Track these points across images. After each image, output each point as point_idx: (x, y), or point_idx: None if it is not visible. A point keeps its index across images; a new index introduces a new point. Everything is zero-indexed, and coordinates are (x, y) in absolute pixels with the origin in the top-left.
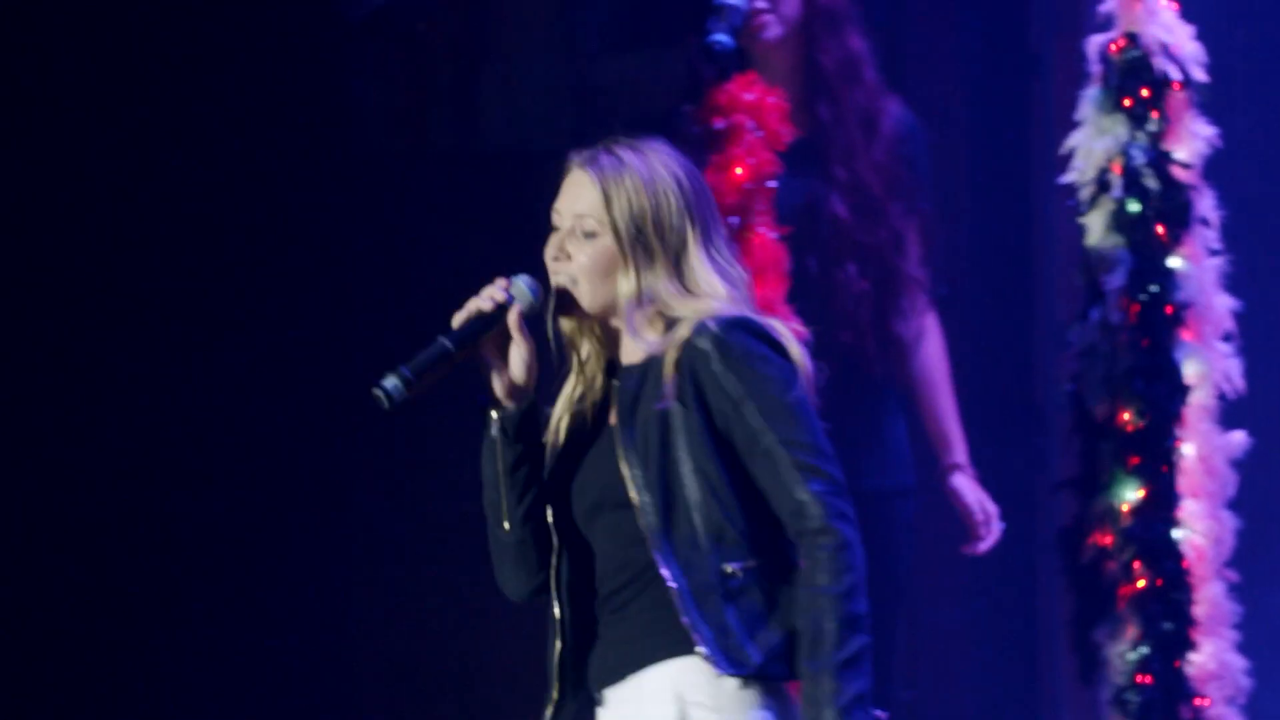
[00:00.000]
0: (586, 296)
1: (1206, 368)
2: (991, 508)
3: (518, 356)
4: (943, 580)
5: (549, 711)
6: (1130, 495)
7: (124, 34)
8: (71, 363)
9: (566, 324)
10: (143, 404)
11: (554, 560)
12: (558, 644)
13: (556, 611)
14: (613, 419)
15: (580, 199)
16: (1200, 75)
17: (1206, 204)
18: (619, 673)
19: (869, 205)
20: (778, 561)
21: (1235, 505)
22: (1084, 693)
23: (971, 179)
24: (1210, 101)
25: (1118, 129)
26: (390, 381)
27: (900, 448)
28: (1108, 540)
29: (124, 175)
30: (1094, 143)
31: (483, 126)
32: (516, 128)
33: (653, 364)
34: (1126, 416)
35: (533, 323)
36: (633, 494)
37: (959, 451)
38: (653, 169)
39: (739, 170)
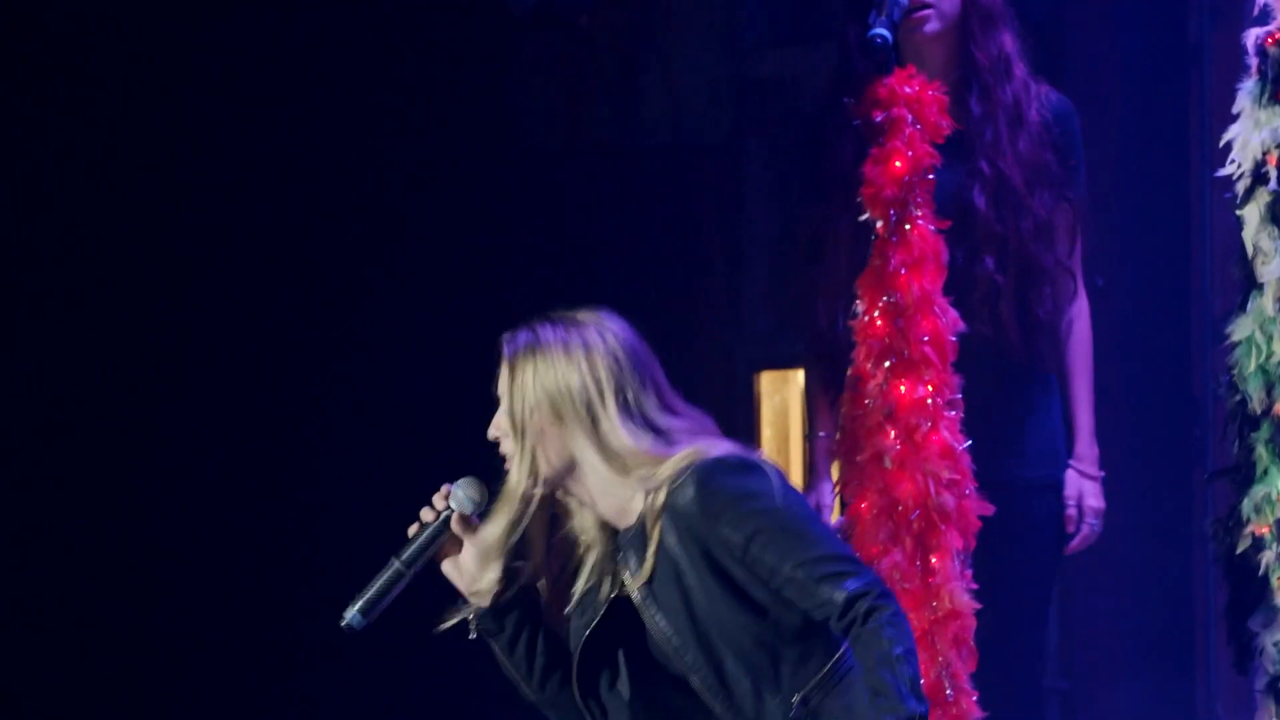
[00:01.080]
0: (530, 487)
1: None
2: (1092, 504)
3: (469, 556)
4: (1099, 570)
5: None
6: None
7: (282, 30)
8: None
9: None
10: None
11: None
12: None
13: None
14: (630, 589)
15: (501, 382)
16: None
17: None
18: None
19: (1010, 198)
20: (839, 664)
21: None
22: (1239, 682)
23: (1129, 171)
24: None
25: (1275, 121)
26: (351, 614)
27: (1049, 439)
28: (1263, 530)
29: (286, 170)
30: (1251, 135)
31: (642, 120)
32: (675, 121)
33: (636, 531)
34: None
35: None
36: (679, 663)
37: (1082, 443)
38: (567, 344)
39: (898, 163)
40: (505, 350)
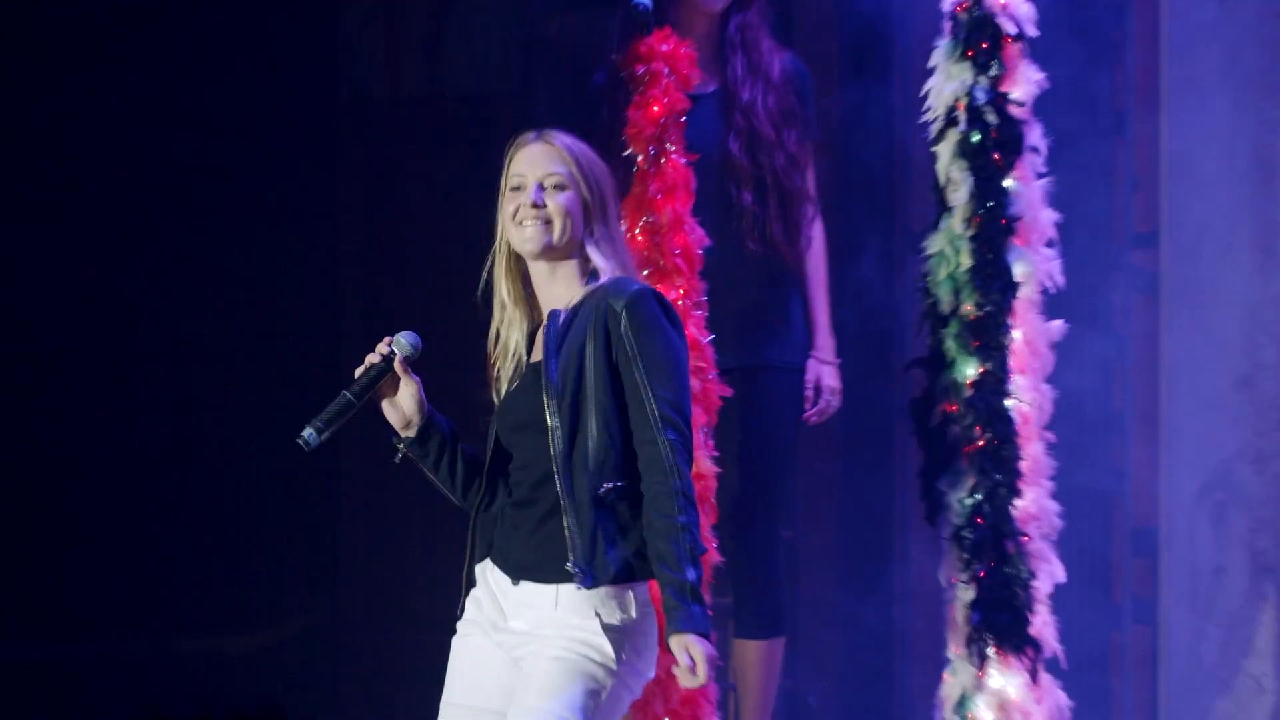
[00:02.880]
0: (558, 235)
1: (1033, 269)
2: (829, 384)
3: (407, 394)
4: (819, 441)
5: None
6: (971, 372)
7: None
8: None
9: (506, 282)
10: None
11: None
12: (475, 524)
13: (482, 500)
14: (536, 356)
15: (550, 162)
16: (1031, 30)
17: (1035, 135)
18: (523, 572)
19: (764, 141)
20: (634, 486)
21: (1051, 380)
22: (929, 530)
23: (842, 115)
24: (1038, 50)
25: (964, 74)
26: (308, 432)
27: (796, 333)
28: (952, 408)
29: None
30: (945, 86)
31: (447, 72)
32: (476, 74)
33: (578, 310)
34: (968, 308)
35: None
36: (549, 420)
37: (820, 335)
38: (590, 153)
39: (656, 108)
40: (556, 143)
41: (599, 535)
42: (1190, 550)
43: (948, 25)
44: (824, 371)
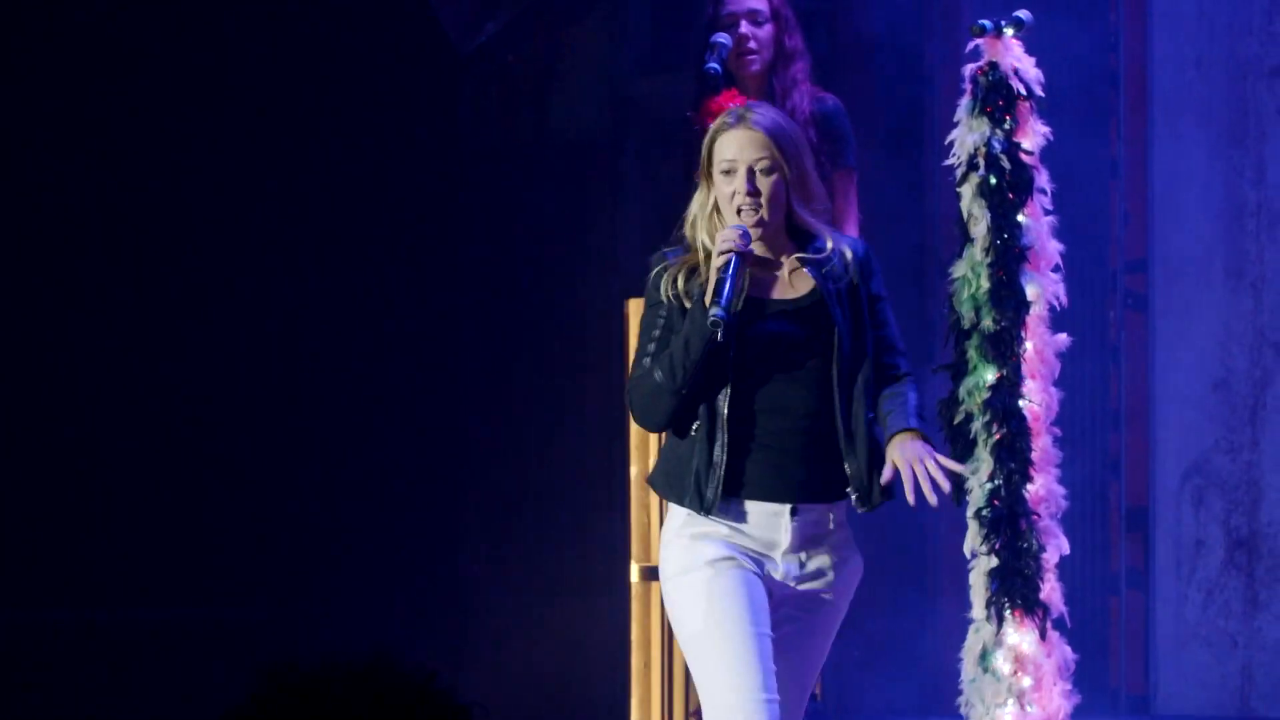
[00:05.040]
0: (769, 215)
1: (1042, 290)
2: None
3: (746, 280)
4: None
5: (718, 488)
6: (989, 377)
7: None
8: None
9: (705, 235)
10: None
11: (725, 393)
12: (721, 456)
13: (721, 436)
14: (793, 293)
15: (756, 148)
16: (1039, 91)
17: (1043, 179)
18: (813, 496)
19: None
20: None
21: (1057, 383)
22: (957, 511)
23: (887, 161)
24: (1043, 107)
25: (983, 128)
26: (716, 312)
27: None
28: (974, 408)
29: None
30: (967, 137)
31: (555, 125)
32: (578, 129)
33: (831, 256)
34: (987, 323)
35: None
36: (835, 352)
37: None
38: (785, 125)
39: None
40: (757, 127)
41: (866, 466)
42: (1175, 527)
43: (968, 87)
44: None
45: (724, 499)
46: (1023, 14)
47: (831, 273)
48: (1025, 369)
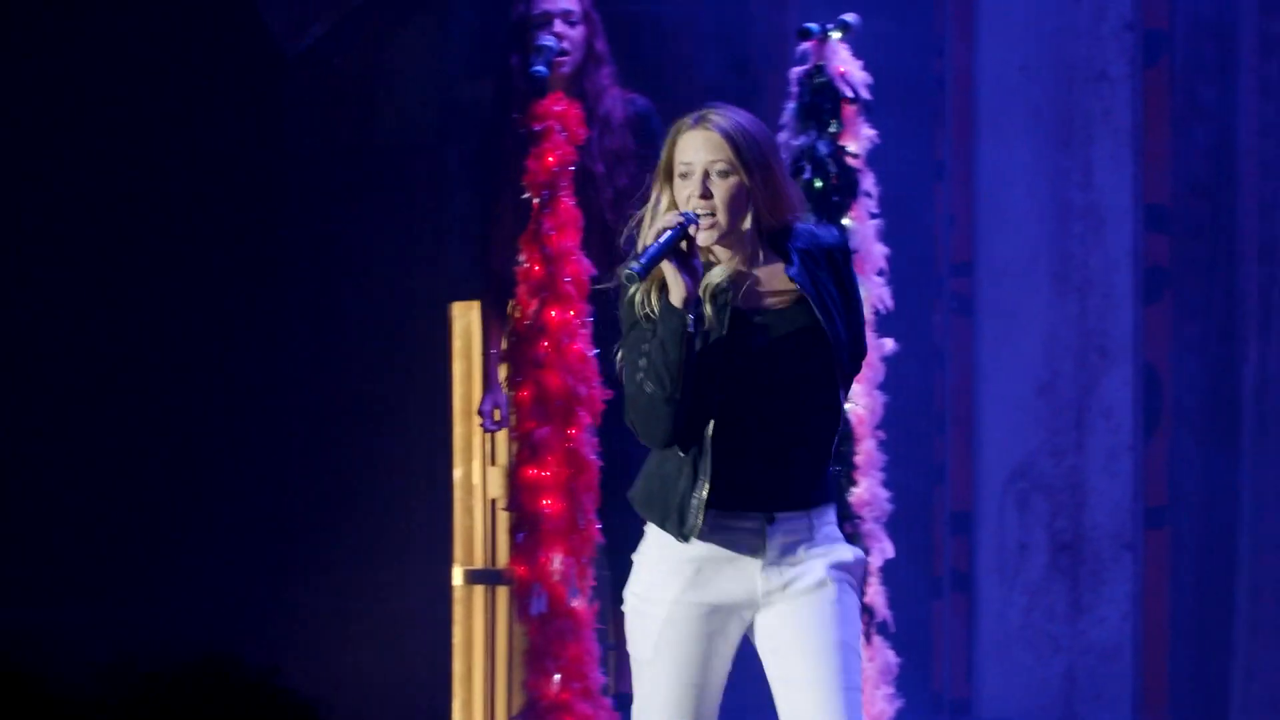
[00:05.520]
0: (726, 221)
1: (867, 294)
2: None
3: (695, 267)
4: None
5: (701, 512)
6: None
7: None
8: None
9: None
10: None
11: (713, 410)
12: (705, 478)
13: (707, 456)
14: (775, 301)
15: (711, 149)
16: (865, 94)
17: (869, 182)
18: (795, 502)
19: (593, 179)
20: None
21: (881, 387)
22: None
23: None
24: (870, 111)
25: (810, 130)
26: (635, 266)
27: None
28: None
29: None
30: (793, 140)
31: (380, 127)
32: (404, 131)
33: (811, 252)
34: None
35: None
36: (835, 350)
37: None
38: (756, 127)
39: (550, 159)
40: (714, 129)
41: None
42: (999, 530)
43: (795, 90)
44: None
45: (715, 508)
46: (849, 18)
47: (814, 272)
48: None
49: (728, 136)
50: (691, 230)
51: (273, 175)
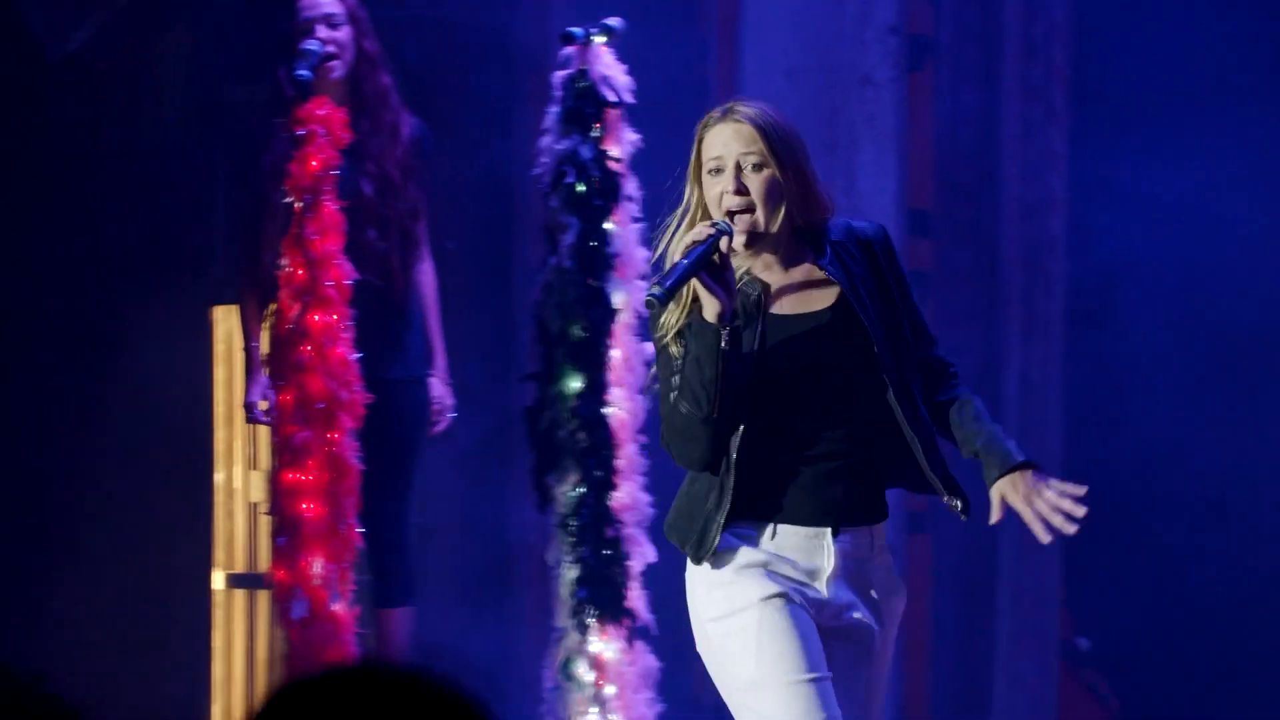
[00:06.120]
0: (764, 217)
1: (629, 298)
2: (449, 403)
3: (730, 280)
4: (450, 440)
5: (720, 530)
6: (576, 384)
7: None
8: None
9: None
10: None
11: (741, 426)
12: (728, 494)
13: (732, 471)
14: (814, 304)
15: (742, 141)
16: (629, 99)
17: (631, 186)
18: (856, 518)
19: (391, 188)
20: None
21: (643, 392)
22: (542, 518)
23: (471, 170)
24: (634, 116)
25: (573, 135)
26: (656, 291)
27: (415, 352)
28: (560, 415)
29: None
30: (556, 144)
31: (144, 132)
32: (168, 136)
33: (834, 252)
34: (574, 330)
35: None
36: (880, 358)
37: (438, 359)
38: (783, 118)
39: (313, 163)
40: (746, 121)
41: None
42: None
43: (559, 94)
44: (444, 390)
45: (756, 523)
46: (613, 22)
47: (854, 271)
48: (612, 377)
49: (759, 127)
50: (723, 243)
51: (34, 179)
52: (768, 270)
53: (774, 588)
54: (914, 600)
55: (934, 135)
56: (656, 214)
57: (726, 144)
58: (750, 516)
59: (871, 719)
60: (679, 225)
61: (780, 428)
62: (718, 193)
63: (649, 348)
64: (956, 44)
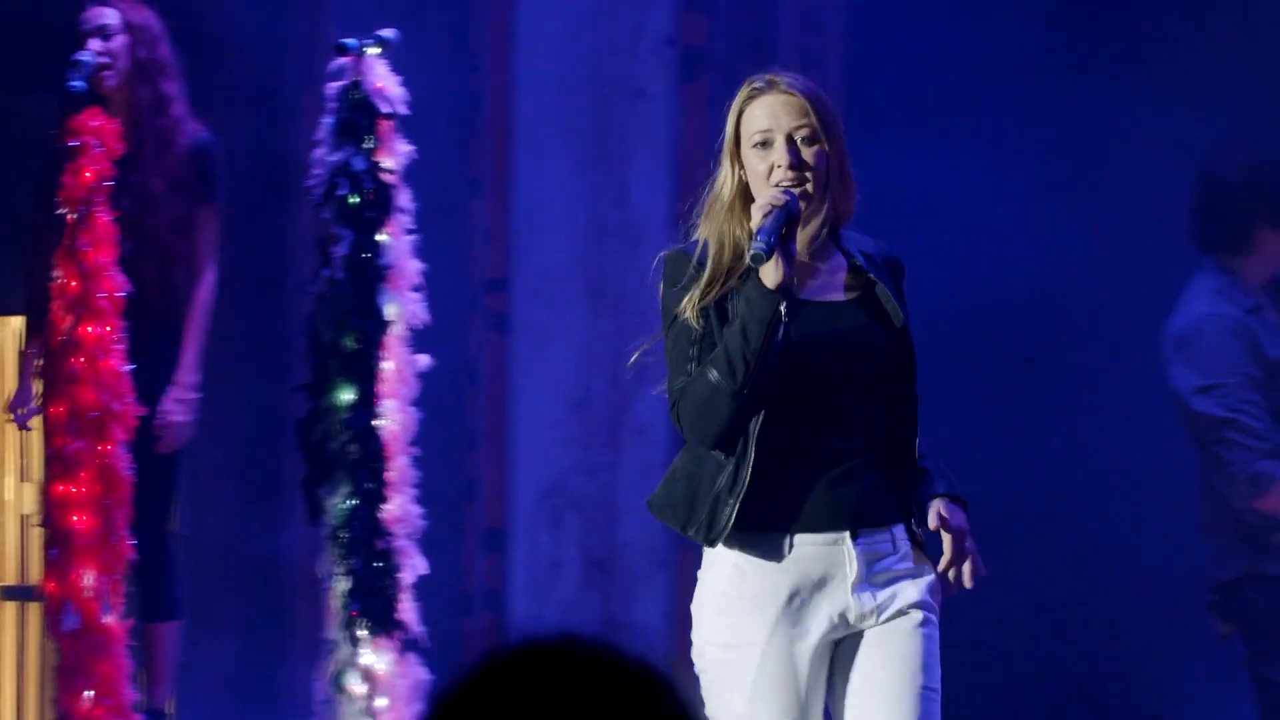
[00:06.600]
0: (820, 194)
1: (402, 309)
2: (176, 420)
3: (793, 251)
4: (221, 450)
5: (733, 513)
6: (348, 396)
7: None
8: None
9: (730, 226)
10: None
11: (761, 411)
12: (744, 478)
13: (751, 452)
14: (841, 292)
15: (794, 113)
16: (403, 109)
17: (404, 198)
18: (874, 519)
19: (152, 201)
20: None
21: (416, 403)
22: (313, 531)
23: (253, 183)
24: (408, 127)
25: (346, 146)
26: (761, 245)
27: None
28: (332, 427)
29: None
30: (329, 156)
31: None
32: None
33: (866, 250)
34: (348, 343)
35: None
36: (907, 350)
37: (184, 371)
38: (821, 89)
39: (87, 174)
40: (798, 92)
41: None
42: (532, 547)
43: (332, 105)
44: (173, 404)
45: (774, 536)
46: (387, 33)
47: (878, 268)
48: (384, 389)
49: (811, 99)
50: (798, 207)
51: None
52: (799, 253)
53: (783, 629)
54: (684, 612)
55: (707, 148)
56: (429, 226)
57: (776, 116)
58: (766, 526)
59: (930, 708)
60: (713, 209)
61: (799, 416)
62: (767, 167)
63: (420, 360)
64: (732, 56)
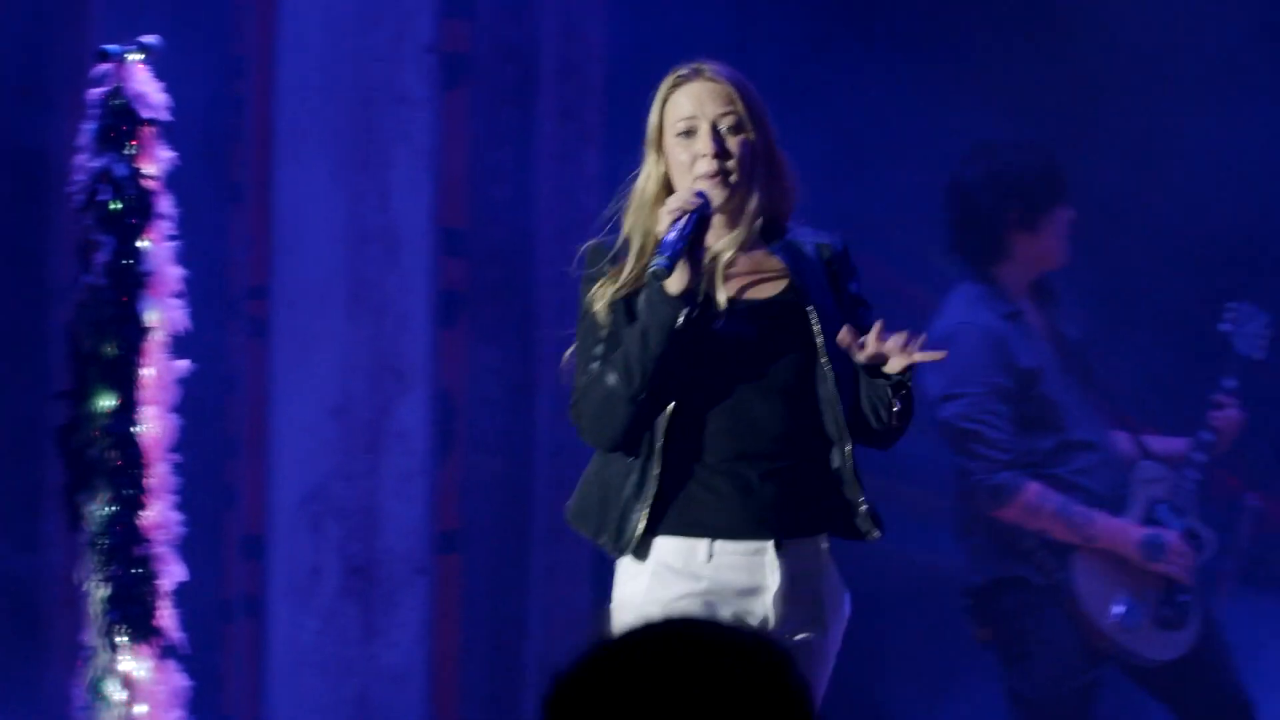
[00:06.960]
0: (745, 183)
1: (162, 315)
2: None
3: (700, 257)
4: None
5: (641, 521)
6: (108, 403)
7: None
8: None
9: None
10: None
11: (667, 414)
12: (652, 486)
13: (657, 457)
14: (764, 290)
15: (718, 100)
16: (164, 116)
17: (166, 204)
18: (799, 529)
19: None
20: None
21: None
22: (73, 539)
23: (12, 187)
24: (169, 133)
25: (108, 152)
26: (660, 261)
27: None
28: (92, 434)
29: None
30: (91, 162)
31: None
32: None
33: (805, 247)
34: (108, 349)
35: None
36: (826, 365)
37: None
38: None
39: None
40: (724, 79)
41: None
42: (291, 554)
43: (94, 111)
44: None
45: (690, 541)
46: (150, 40)
47: (809, 267)
48: (144, 395)
49: (738, 87)
50: (710, 210)
51: None
52: (728, 246)
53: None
54: (443, 620)
55: (469, 154)
56: (190, 232)
57: (701, 104)
58: (682, 531)
59: None
60: (640, 204)
61: (713, 419)
62: (690, 156)
63: (180, 366)
64: (494, 63)
